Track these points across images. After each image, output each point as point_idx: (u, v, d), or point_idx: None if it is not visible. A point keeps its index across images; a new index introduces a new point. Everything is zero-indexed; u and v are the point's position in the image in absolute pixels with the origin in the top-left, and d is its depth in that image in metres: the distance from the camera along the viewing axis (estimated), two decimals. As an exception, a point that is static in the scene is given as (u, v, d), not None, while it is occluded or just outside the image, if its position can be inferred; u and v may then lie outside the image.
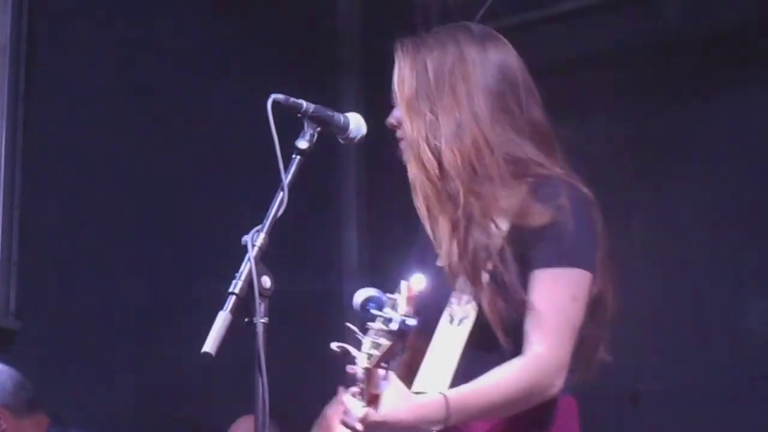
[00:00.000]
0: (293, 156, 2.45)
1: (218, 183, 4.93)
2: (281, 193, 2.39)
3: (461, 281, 2.50)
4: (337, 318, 5.53)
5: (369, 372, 2.21)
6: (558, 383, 2.39)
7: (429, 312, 2.44)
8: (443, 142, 2.57)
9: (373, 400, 2.25)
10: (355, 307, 2.15)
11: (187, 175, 4.82)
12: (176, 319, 4.36)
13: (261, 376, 2.23)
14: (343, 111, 2.58)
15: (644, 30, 5.48)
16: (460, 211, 2.55)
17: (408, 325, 2.09)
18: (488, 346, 2.42)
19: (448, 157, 2.57)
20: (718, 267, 4.96)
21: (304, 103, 2.50)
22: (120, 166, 4.59)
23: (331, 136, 2.56)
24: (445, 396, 2.33)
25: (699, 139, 5.19)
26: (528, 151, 2.57)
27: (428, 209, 2.67)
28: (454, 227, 2.54)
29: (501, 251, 2.46)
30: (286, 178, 2.40)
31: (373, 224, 5.64)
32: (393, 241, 5.89)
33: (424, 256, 2.68)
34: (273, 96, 2.45)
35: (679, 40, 5.38)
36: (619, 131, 5.41)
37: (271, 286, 2.30)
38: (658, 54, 5.38)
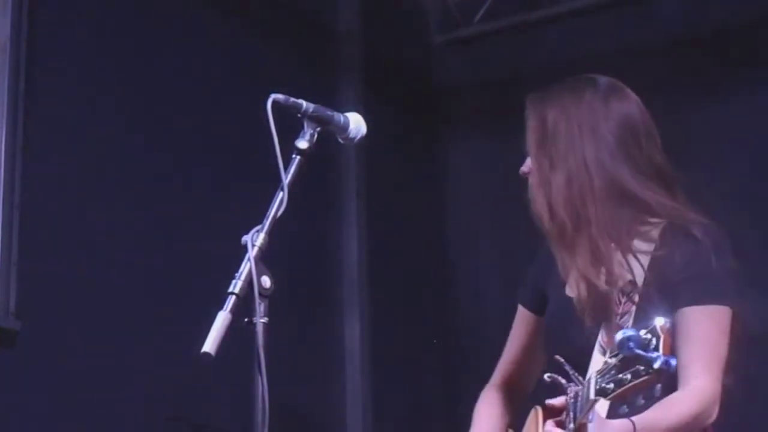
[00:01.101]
0: (293, 156, 2.45)
1: (218, 183, 4.93)
2: (281, 193, 2.40)
3: (610, 314, 2.65)
4: (338, 318, 5.54)
5: (592, 403, 2.32)
6: (714, 413, 2.61)
7: (559, 336, 2.68)
8: (554, 190, 2.74)
9: (581, 428, 2.42)
10: (616, 344, 2.21)
11: (187, 174, 4.82)
12: (176, 319, 4.36)
13: (261, 376, 2.23)
14: (343, 111, 2.58)
15: (644, 30, 5.49)
16: (591, 251, 2.71)
17: (671, 365, 2.17)
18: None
19: (558, 205, 2.73)
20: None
21: (304, 103, 2.50)
22: (120, 165, 4.59)
23: (331, 136, 2.56)
24: (632, 422, 2.48)
25: (700, 140, 5.19)
26: (655, 193, 2.73)
27: (557, 245, 2.81)
28: (593, 263, 2.69)
29: (644, 289, 2.62)
30: (286, 178, 2.41)
31: (373, 224, 5.64)
32: (393, 242, 5.91)
33: (548, 282, 2.86)
34: (273, 96, 2.45)
35: (679, 41, 5.39)
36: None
37: (270, 286, 2.30)
38: (658, 54, 5.39)
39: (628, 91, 2.88)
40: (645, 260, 2.67)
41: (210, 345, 2.21)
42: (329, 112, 2.53)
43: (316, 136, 2.49)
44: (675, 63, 5.33)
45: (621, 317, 2.65)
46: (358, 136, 2.60)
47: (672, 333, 2.19)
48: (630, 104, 2.85)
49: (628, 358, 2.19)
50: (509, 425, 3.00)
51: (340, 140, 2.59)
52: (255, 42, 5.25)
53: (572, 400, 2.45)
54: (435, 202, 6.02)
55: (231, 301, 2.26)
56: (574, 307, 2.72)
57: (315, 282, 5.45)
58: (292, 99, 2.49)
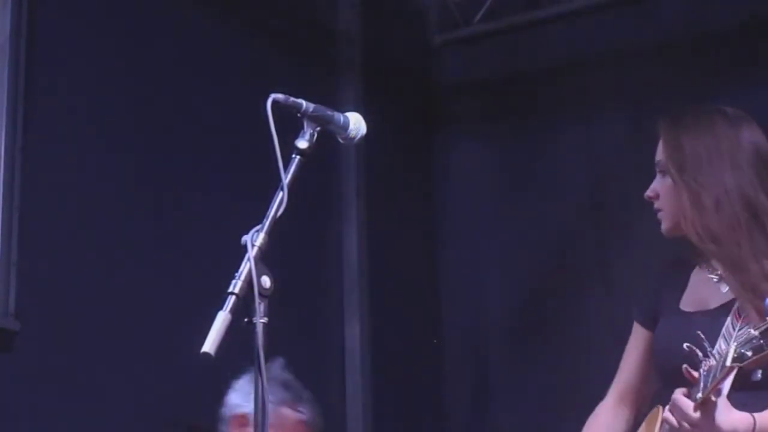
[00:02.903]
0: (293, 156, 2.45)
1: (218, 183, 4.93)
2: (281, 193, 2.39)
3: (728, 324, 2.72)
4: (338, 318, 5.54)
5: (728, 370, 2.47)
6: None
7: (673, 350, 2.77)
8: (708, 215, 2.84)
9: (706, 402, 2.54)
10: (766, 308, 2.38)
11: (187, 174, 4.82)
12: (176, 319, 4.36)
13: (261, 376, 2.23)
14: (343, 111, 2.58)
15: (644, 30, 5.49)
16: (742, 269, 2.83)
17: None
18: (750, 387, 2.66)
19: (710, 225, 2.84)
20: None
21: (304, 103, 2.50)
22: (120, 165, 4.59)
23: (331, 136, 2.56)
24: (753, 416, 2.62)
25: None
26: None
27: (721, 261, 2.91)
28: (734, 271, 2.82)
29: None
30: (286, 178, 2.41)
31: (373, 224, 5.64)
32: (393, 242, 5.91)
33: (662, 301, 3.01)
34: (273, 96, 2.45)
35: (679, 41, 5.39)
36: (620, 131, 5.42)
37: (270, 286, 2.30)
38: (658, 54, 5.39)
39: (755, 123, 2.98)
40: None
41: (210, 345, 2.21)
42: (329, 112, 2.53)
43: (316, 135, 2.49)
44: (675, 63, 5.33)
45: (740, 329, 2.70)
46: (358, 136, 2.59)
47: None
48: (759, 135, 2.96)
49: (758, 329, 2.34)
50: None
51: (340, 140, 2.59)
52: (255, 42, 5.25)
53: (705, 373, 2.54)
54: (435, 202, 6.02)
55: (231, 301, 2.26)
56: (689, 322, 2.84)
57: (315, 282, 5.45)
58: (292, 99, 2.49)
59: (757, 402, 2.66)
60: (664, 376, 2.92)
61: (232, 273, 2.29)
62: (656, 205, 2.98)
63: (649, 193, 2.99)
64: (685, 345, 2.60)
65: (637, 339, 3.11)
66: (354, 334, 5.49)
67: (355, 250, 5.56)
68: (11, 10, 4.30)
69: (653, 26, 5.46)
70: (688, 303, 2.95)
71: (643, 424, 2.98)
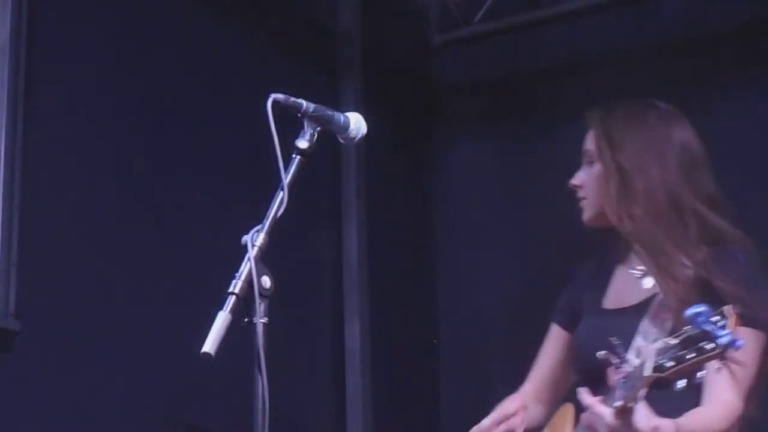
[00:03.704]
0: (293, 156, 2.45)
1: (218, 183, 4.93)
2: (281, 193, 2.40)
3: (647, 321, 2.76)
4: (338, 318, 5.53)
5: (647, 380, 2.41)
6: (734, 430, 2.74)
7: (594, 348, 2.73)
8: (634, 201, 2.86)
9: (626, 410, 2.52)
10: (686, 317, 2.33)
11: (187, 174, 4.82)
12: (176, 319, 4.36)
13: (261, 376, 2.23)
14: (343, 111, 2.58)
15: (644, 30, 5.49)
16: (654, 262, 2.85)
17: (737, 344, 2.27)
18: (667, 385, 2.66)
19: (635, 210, 2.85)
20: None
21: (304, 103, 2.50)
22: (120, 166, 4.59)
23: (331, 136, 2.56)
24: (674, 422, 2.59)
25: (700, 140, 5.18)
26: (710, 218, 2.87)
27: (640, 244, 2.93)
28: (653, 254, 2.84)
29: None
30: (286, 178, 2.41)
31: (373, 224, 5.64)
32: (393, 242, 5.90)
33: (584, 301, 3.03)
34: (273, 96, 2.45)
35: (679, 41, 5.38)
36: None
37: (271, 286, 2.30)
38: (658, 54, 5.38)
39: (686, 120, 3.03)
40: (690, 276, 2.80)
41: (210, 345, 2.21)
42: (329, 112, 2.53)
43: (316, 135, 2.49)
44: (675, 63, 5.33)
45: (659, 325, 2.76)
46: (359, 136, 2.59)
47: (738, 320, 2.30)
48: (688, 132, 3.00)
49: (692, 336, 2.28)
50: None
51: (340, 140, 2.59)
52: (255, 42, 5.25)
53: (623, 380, 2.52)
54: (435, 202, 6.01)
55: (231, 301, 2.26)
56: (608, 319, 2.88)
57: (315, 282, 5.44)
58: (293, 99, 2.49)
59: (675, 402, 2.63)
60: (583, 375, 2.92)
61: (232, 273, 2.29)
62: (580, 193, 3.01)
63: (574, 181, 3.03)
64: (598, 354, 2.58)
65: (554, 340, 3.15)
66: (354, 334, 5.49)
67: (355, 250, 5.56)
68: (11, 10, 4.29)
69: (653, 26, 5.46)
70: (610, 301, 2.97)
71: (553, 420, 3.00)
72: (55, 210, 4.36)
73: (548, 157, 5.64)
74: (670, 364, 2.32)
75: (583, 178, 3.01)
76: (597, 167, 2.97)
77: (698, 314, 2.26)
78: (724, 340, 2.24)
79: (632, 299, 2.91)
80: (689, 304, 2.66)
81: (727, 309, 2.28)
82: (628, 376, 2.51)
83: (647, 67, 5.36)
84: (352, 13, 5.77)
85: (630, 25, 5.50)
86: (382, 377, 5.54)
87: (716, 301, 2.62)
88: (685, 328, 2.33)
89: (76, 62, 4.51)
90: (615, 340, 2.57)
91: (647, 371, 2.37)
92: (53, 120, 4.41)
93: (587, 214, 3.00)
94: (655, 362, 2.35)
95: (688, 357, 2.30)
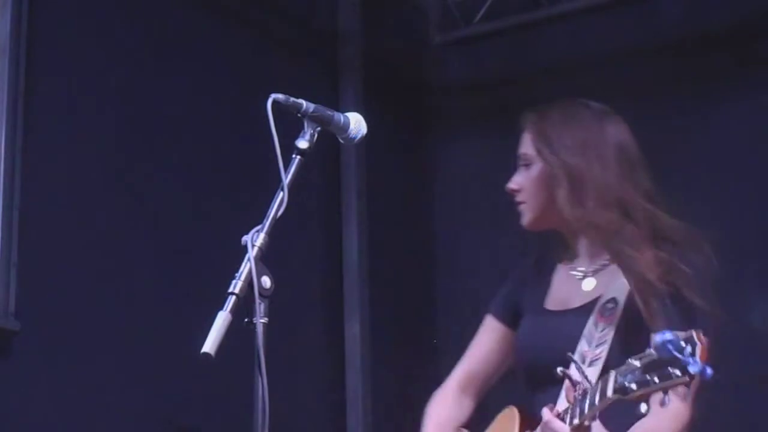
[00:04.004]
0: (293, 156, 2.45)
1: (218, 183, 4.93)
2: (281, 193, 2.39)
3: (590, 325, 2.75)
4: (338, 318, 5.53)
5: (608, 401, 2.38)
6: None
7: (536, 348, 2.79)
8: (586, 197, 2.81)
9: (581, 427, 2.51)
10: (654, 344, 2.27)
11: (187, 175, 4.82)
12: (176, 320, 4.36)
13: (261, 376, 2.23)
14: (343, 111, 2.58)
15: (644, 30, 5.48)
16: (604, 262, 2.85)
17: (707, 373, 2.23)
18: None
19: (586, 208, 2.81)
20: (721, 264, 4.95)
21: (304, 103, 2.50)
22: (120, 166, 4.59)
23: (331, 136, 2.56)
24: None
25: (700, 140, 5.19)
26: (651, 216, 2.83)
27: (554, 257, 2.96)
28: (617, 256, 2.80)
29: (626, 307, 2.73)
30: (286, 178, 2.41)
31: (373, 224, 5.64)
32: (393, 242, 5.90)
33: (524, 300, 3.01)
34: (273, 96, 2.45)
35: (680, 41, 5.38)
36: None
37: (271, 286, 2.30)
38: (658, 54, 5.38)
39: (620, 117, 2.98)
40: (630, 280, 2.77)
41: (210, 345, 2.21)
42: (329, 112, 2.53)
43: (316, 136, 2.49)
44: (675, 63, 5.32)
45: (601, 330, 2.74)
46: (359, 136, 2.59)
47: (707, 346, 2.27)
48: (623, 130, 2.96)
49: (657, 361, 2.24)
50: (464, 426, 3.12)
51: (340, 140, 2.59)
52: (255, 42, 5.25)
53: (580, 397, 2.50)
54: (435, 202, 6.01)
55: (231, 301, 2.26)
56: (551, 321, 2.86)
57: (315, 282, 5.44)
58: (293, 99, 2.49)
59: (620, 413, 2.61)
60: (526, 376, 2.91)
61: (232, 273, 2.29)
62: (519, 198, 2.97)
63: (512, 186, 2.97)
64: (559, 370, 2.55)
65: (489, 331, 3.14)
66: (354, 334, 5.49)
67: (355, 250, 5.56)
68: (11, 10, 4.29)
69: (653, 26, 5.46)
70: (552, 302, 2.95)
71: (494, 424, 2.96)
72: (55, 210, 4.36)
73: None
74: (633, 386, 2.29)
75: (520, 182, 2.96)
76: (536, 169, 2.93)
77: (668, 341, 2.22)
78: (694, 369, 2.20)
79: (574, 301, 2.88)
80: (656, 283, 2.66)
81: (697, 334, 2.24)
82: (586, 394, 2.49)
83: (647, 67, 5.35)
84: (352, 13, 5.77)
85: (630, 25, 5.50)
86: (382, 377, 5.54)
87: (677, 300, 2.67)
88: (649, 351, 2.29)
89: (76, 62, 4.51)
90: (572, 356, 2.56)
91: (609, 392, 2.34)
92: (53, 120, 4.41)
93: (527, 218, 2.96)
94: (617, 383, 2.32)
95: (652, 382, 2.26)
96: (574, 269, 2.93)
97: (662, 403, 2.25)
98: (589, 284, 2.88)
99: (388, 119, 5.53)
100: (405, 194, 5.91)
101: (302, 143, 2.47)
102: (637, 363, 2.29)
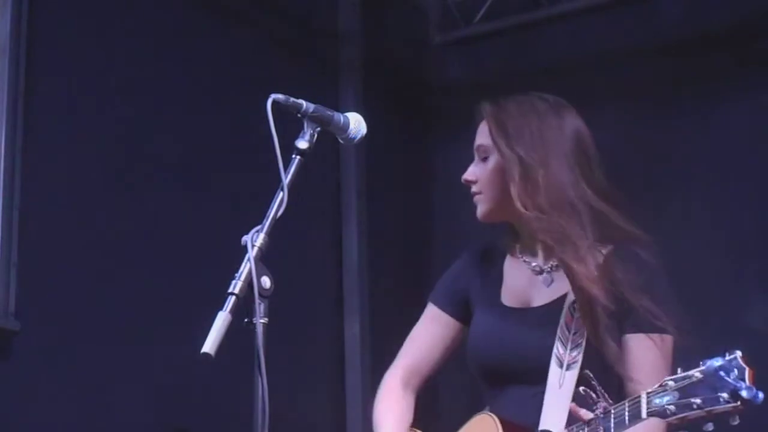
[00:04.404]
0: (293, 156, 2.45)
1: (218, 183, 4.92)
2: (281, 193, 2.39)
3: (562, 326, 2.70)
4: (337, 318, 5.53)
5: (635, 423, 2.35)
6: None
7: (495, 345, 2.74)
8: (537, 193, 2.75)
9: None
10: (705, 369, 2.25)
11: (187, 175, 4.82)
12: (176, 320, 4.36)
13: (261, 376, 2.23)
14: (343, 111, 2.58)
15: (644, 30, 5.48)
16: (556, 260, 2.78)
17: (758, 398, 2.22)
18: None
19: (539, 200, 2.75)
20: (721, 265, 4.95)
21: (304, 103, 2.50)
22: (120, 166, 4.59)
23: (331, 136, 2.56)
24: None
25: (699, 140, 5.19)
26: (609, 212, 2.77)
27: (512, 252, 2.91)
28: (563, 244, 2.73)
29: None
30: (286, 178, 2.40)
31: (373, 224, 5.64)
32: (393, 241, 5.90)
33: (474, 292, 2.94)
34: (273, 96, 2.45)
35: (679, 41, 5.38)
36: (620, 131, 5.41)
37: (270, 287, 2.30)
38: (658, 54, 5.38)
39: (575, 110, 2.95)
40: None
41: (210, 345, 2.21)
42: (329, 112, 2.53)
43: (316, 136, 2.49)
44: (675, 63, 5.32)
45: (574, 332, 2.70)
46: (358, 136, 2.59)
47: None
48: (580, 123, 2.91)
49: (701, 383, 2.22)
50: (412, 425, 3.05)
51: (340, 140, 2.59)
52: (255, 42, 5.25)
53: (601, 416, 2.46)
54: (435, 202, 6.01)
55: (231, 301, 2.26)
56: (513, 318, 2.80)
57: (315, 282, 5.44)
58: (292, 99, 2.49)
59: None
60: (483, 373, 2.86)
61: (232, 273, 2.29)
62: (474, 188, 2.93)
63: (468, 176, 2.95)
64: (580, 388, 2.50)
65: (431, 321, 3.09)
66: (354, 334, 5.49)
67: (355, 250, 5.56)
68: (11, 10, 4.29)
69: (653, 26, 5.46)
70: (509, 297, 2.88)
71: (466, 429, 2.88)
72: (55, 210, 4.36)
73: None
74: (672, 408, 2.26)
75: (477, 173, 2.92)
76: (492, 161, 2.88)
77: (719, 367, 2.19)
78: (749, 394, 2.19)
79: (537, 299, 2.83)
80: (599, 298, 2.62)
81: (741, 356, 2.22)
82: (609, 413, 2.44)
83: (647, 67, 5.35)
84: (352, 13, 5.77)
85: (630, 25, 5.50)
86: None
87: (614, 314, 2.63)
88: (689, 372, 2.26)
89: (76, 62, 4.51)
90: (588, 374, 2.50)
91: (643, 414, 2.31)
92: (53, 120, 4.41)
93: (482, 210, 2.91)
94: (650, 406, 2.29)
95: (695, 405, 2.22)
96: (530, 264, 2.87)
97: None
98: (547, 281, 2.83)
99: (388, 119, 5.53)
100: (405, 194, 5.91)
101: (302, 143, 2.47)
102: (673, 383, 2.26)
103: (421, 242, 5.93)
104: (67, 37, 4.51)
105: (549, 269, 2.84)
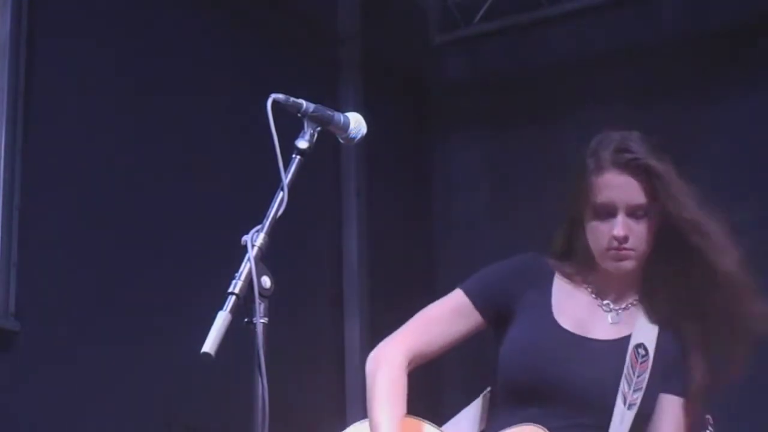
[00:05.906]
0: (293, 156, 2.45)
1: (218, 183, 4.93)
2: (281, 193, 2.39)
3: (628, 366, 2.73)
4: (338, 317, 5.54)
5: None
6: None
7: (546, 361, 2.73)
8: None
9: None
10: None
11: (187, 175, 4.82)
12: (176, 320, 4.36)
13: (261, 376, 2.23)
14: (343, 111, 2.58)
15: (644, 30, 5.49)
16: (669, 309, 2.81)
17: None
18: None
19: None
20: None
21: (304, 103, 2.49)
22: (120, 166, 4.59)
23: (331, 136, 2.55)
24: None
25: (699, 140, 5.19)
26: None
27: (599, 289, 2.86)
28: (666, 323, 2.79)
29: (655, 359, 2.76)
30: (286, 178, 2.40)
31: (373, 224, 5.64)
32: (393, 241, 5.91)
33: (523, 300, 2.88)
34: (273, 96, 2.44)
35: (679, 41, 5.38)
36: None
37: (270, 286, 2.29)
38: (658, 54, 5.39)
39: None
40: (655, 332, 2.78)
41: (210, 345, 2.20)
42: (329, 112, 2.53)
43: (316, 136, 2.49)
44: (675, 63, 5.33)
45: (638, 375, 2.73)
46: (358, 136, 2.59)
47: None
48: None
49: None
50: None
51: (340, 140, 2.59)
52: (255, 42, 5.25)
53: None
54: (435, 201, 6.01)
55: (231, 301, 2.26)
56: (574, 344, 2.76)
57: (315, 282, 5.44)
58: (293, 99, 2.48)
59: None
60: (525, 387, 2.78)
61: (232, 273, 2.29)
62: (628, 245, 2.77)
63: (621, 233, 2.76)
64: None
65: (456, 311, 2.96)
66: (354, 334, 5.49)
67: (355, 250, 5.56)
68: (11, 10, 4.30)
69: (653, 26, 5.46)
70: (564, 319, 2.80)
71: None
72: (55, 210, 4.36)
73: (548, 157, 5.66)
74: None
75: (634, 231, 2.78)
76: (649, 221, 2.80)
77: None
78: None
79: (600, 332, 2.79)
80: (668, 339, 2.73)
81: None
82: None
83: (647, 67, 5.36)
84: (352, 13, 5.77)
85: (630, 25, 5.51)
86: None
87: (665, 370, 2.73)
88: None
89: (76, 62, 4.52)
90: (709, 418, 2.66)
91: None
92: (53, 120, 4.41)
93: (631, 265, 2.78)
94: None
95: None
96: (600, 301, 2.83)
97: None
98: (615, 319, 2.80)
99: (388, 119, 5.53)
100: (405, 193, 5.91)
101: (302, 143, 2.46)
102: None
103: (420, 242, 5.93)
104: (67, 37, 4.51)
105: (618, 309, 2.83)
